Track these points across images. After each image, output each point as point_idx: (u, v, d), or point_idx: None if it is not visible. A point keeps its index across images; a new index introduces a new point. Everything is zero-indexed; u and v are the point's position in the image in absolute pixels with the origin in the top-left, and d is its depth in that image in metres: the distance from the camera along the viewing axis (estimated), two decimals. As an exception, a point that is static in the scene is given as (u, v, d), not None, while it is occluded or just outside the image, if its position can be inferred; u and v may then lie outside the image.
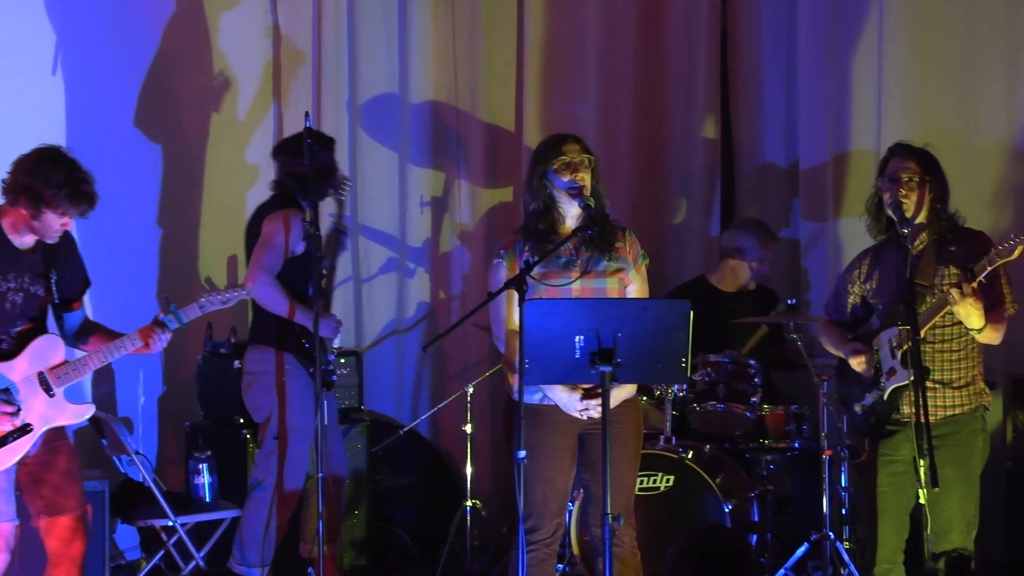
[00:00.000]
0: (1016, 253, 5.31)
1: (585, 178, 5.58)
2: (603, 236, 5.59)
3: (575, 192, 5.55)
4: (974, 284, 5.32)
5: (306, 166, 6.31)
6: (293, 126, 8.00)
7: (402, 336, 8.43)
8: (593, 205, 5.55)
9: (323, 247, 6.39)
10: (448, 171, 8.41)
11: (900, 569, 5.68)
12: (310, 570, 6.60)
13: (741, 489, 6.99)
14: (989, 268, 5.34)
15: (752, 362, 7.16)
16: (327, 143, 6.77)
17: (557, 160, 5.58)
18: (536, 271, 5.48)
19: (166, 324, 5.88)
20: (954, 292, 5.32)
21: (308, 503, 6.74)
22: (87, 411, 5.99)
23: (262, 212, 6.67)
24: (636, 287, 5.66)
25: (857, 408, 5.76)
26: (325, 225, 6.96)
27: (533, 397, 5.56)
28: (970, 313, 5.37)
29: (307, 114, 6.38)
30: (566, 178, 5.56)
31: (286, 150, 6.74)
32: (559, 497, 5.61)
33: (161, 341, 5.88)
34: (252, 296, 6.41)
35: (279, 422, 6.56)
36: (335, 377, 6.61)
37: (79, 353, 5.86)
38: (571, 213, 5.61)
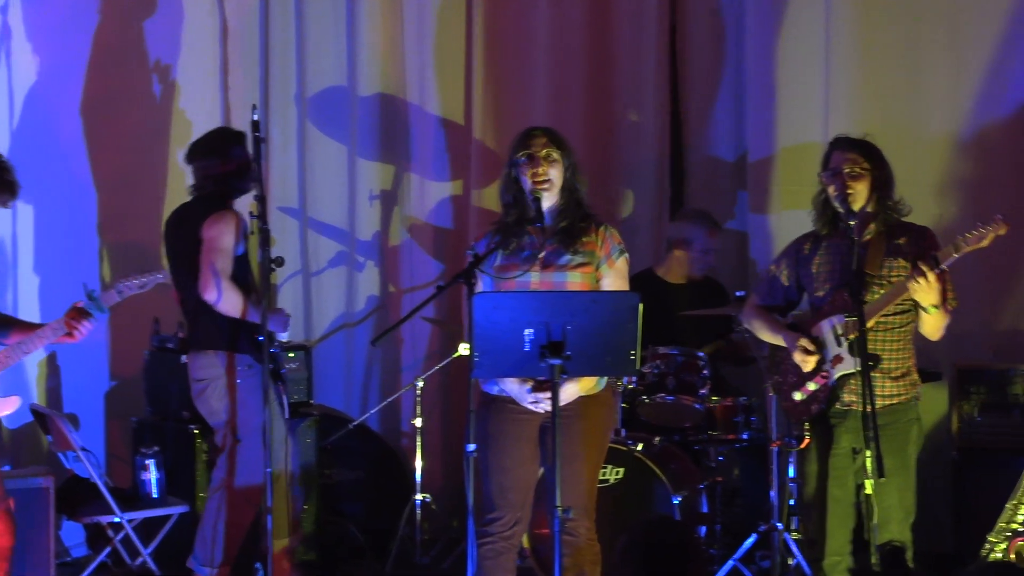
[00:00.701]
0: (986, 241, 5.35)
1: (548, 171, 5.56)
2: (568, 229, 5.57)
3: (538, 186, 5.53)
4: (936, 271, 5.34)
5: (223, 165, 6.43)
6: (240, 120, 7.96)
7: (352, 330, 8.41)
8: (541, 198, 5.54)
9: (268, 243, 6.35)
10: (398, 164, 8.39)
11: (849, 559, 5.70)
12: (257, 565, 6.56)
13: (690, 481, 7.01)
14: (956, 255, 5.39)
15: (701, 354, 7.18)
16: (240, 139, 6.69)
17: (521, 153, 5.58)
18: (498, 263, 5.50)
19: (88, 311, 5.84)
20: (919, 279, 5.34)
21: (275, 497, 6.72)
22: (10, 405, 5.94)
23: (193, 217, 6.58)
24: (609, 282, 5.60)
25: (797, 395, 5.77)
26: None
27: (492, 388, 5.57)
28: (928, 292, 5.41)
29: (254, 107, 6.35)
30: (528, 170, 5.55)
31: (200, 152, 6.68)
32: (518, 488, 5.58)
33: (84, 328, 5.84)
34: (215, 305, 6.38)
35: (234, 424, 6.53)
36: (284, 371, 6.59)
37: None
38: (544, 207, 5.59)
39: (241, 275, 6.50)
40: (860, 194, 5.64)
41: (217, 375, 6.53)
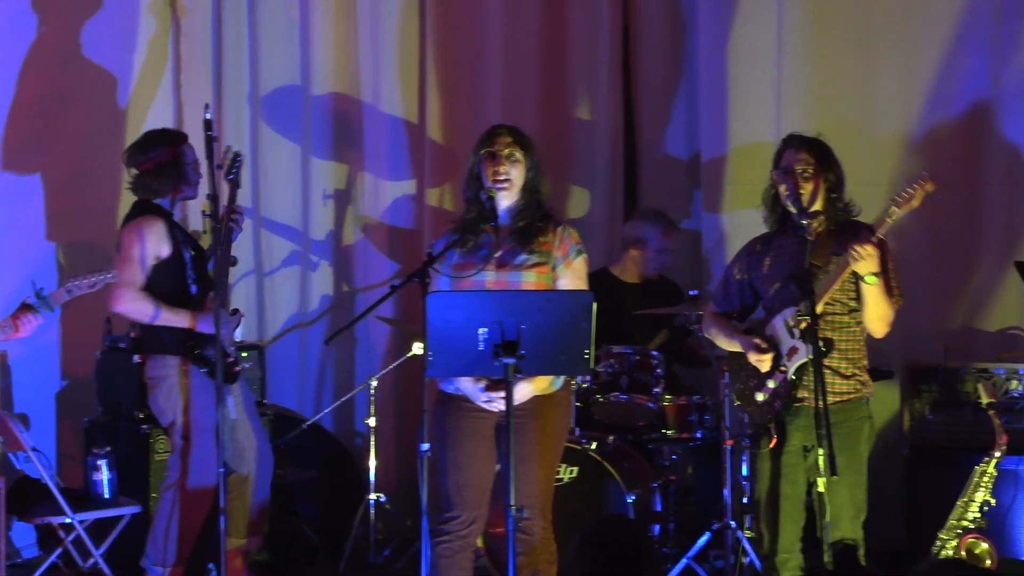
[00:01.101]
0: (916, 200, 5.38)
1: (509, 171, 5.56)
2: (526, 229, 5.57)
3: (497, 186, 5.53)
4: (874, 240, 5.37)
5: (141, 167, 6.46)
6: (193, 120, 7.92)
7: (305, 329, 8.39)
8: (495, 197, 5.54)
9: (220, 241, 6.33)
10: (351, 163, 8.37)
11: (799, 557, 5.71)
12: (211, 565, 6.54)
13: (644, 480, 7.03)
14: (889, 221, 5.41)
15: (655, 353, 7.20)
16: (164, 139, 6.67)
17: (483, 151, 5.59)
18: (455, 261, 5.51)
19: (35, 308, 5.84)
20: (857, 248, 5.37)
21: (231, 498, 6.69)
22: None
23: (125, 220, 6.61)
24: (565, 282, 5.59)
25: (760, 396, 5.79)
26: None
27: (448, 387, 5.57)
28: (867, 264, 5.43)
29: (207, 106, 6.32)
30: (488, 168, 5.55)
31: (128, 153, 6.68)
32: (474, 487, 5.57)
33: (30, 324, 5.83)
34: (122, 315, 6.44)
35: (184, 424, 6.49)
36: (237, 369, 6.57)
37: None
38: (502, 205, 5.59)
39: (165, 281, 6.47)
40: (811, 193, 5.67)
41: (166, 375, 6.50)
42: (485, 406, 5.50)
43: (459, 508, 5.55)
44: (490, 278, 5.51)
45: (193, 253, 6.57)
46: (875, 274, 5.46)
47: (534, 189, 5.61)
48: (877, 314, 5.60)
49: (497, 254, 5.54)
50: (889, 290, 5.58)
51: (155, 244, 6.44)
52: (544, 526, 5.59)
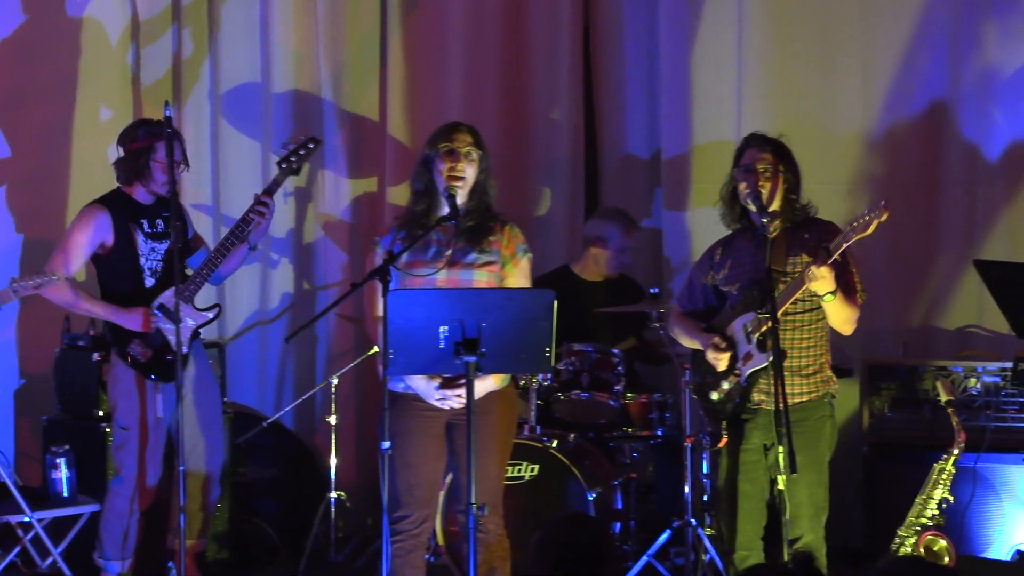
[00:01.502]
0: (871, 228, 5.38)
1: (466, 169, 5.57)
2: (475, 228, 5.58)
3: (452, 180, 5.54)
4: (829, 261, 5.38)
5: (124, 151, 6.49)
6: (152, 116, 7.88)
7: (265, 327, 8.36)
8: (456, 195, 5.54)
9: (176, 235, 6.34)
10: (312, 161, 8.32)
11: (759, 555, 5.73)
12: (170, 564, 6.53)
13: (605, 477, 7.03)
14: (845, 244, 5.40)
15: (615, 351, 7.21)
16: (137, 126, 6.68)
17: (442, 145, 5.58)
18: (404, 259, 5.49)
19: None
20: (812, 269, 5.37)
21: (172, 496, 6.69)
22: None
23: None
24: (513, 281, 5.63)
25: (714, 395, 5.80)
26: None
27: (398, 386, 5.55)
28: (823, 284, 5.42)
29: (167, 103, 6.30)
30: (445, 163, 5.55)
31: (119, 136, 6.71)
32: (425, 486, 5.59)
33: None
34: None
35: (122, 415, 6.55)
36: (170, 358, 6.51)
37: None
38: (447, 201, 5.61)
39: (108, 272, 6.55)
40: (771, 192, 5.68)
41: (110, 369, 6.58)
42: (438, 404, 5.51)
43: (410, 508, 5.56)
44: (442, 277, 5.53)
45: (161, 245, 6.57)
46: (832, 292, 5.47)
47: (484, 190, 5.63)
48: (841, 319, 5.63)
49: (448, 252, 5.55)
50: (852, 290, 5.60)
51: (91, 233, 6.47)
52: (498, 523, 5.64)
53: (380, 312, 5.57)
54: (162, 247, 6.56)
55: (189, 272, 6.58)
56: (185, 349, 6.40)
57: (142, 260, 6.52)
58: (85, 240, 6.48)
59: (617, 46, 8.24)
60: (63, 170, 7.89)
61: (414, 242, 5.49)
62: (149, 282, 6.50)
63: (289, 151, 6.58)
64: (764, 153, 5.72)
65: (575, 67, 8.22)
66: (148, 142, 6.48)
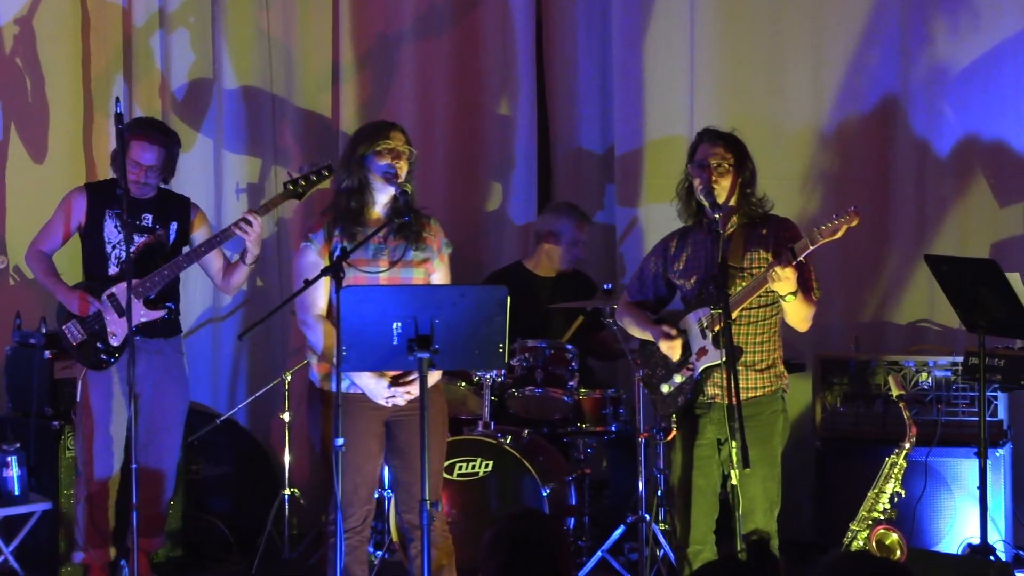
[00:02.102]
0: (840, 233, 5.41)
1: (404, 167, 5.61)
2: (412, 226, 5.63)
3: (391, 177, 5.57)
4: (793, 263, 5.40)
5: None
6: (103, 112, 7.87)
7: (218, 324, 8.33)
8: (411, 192, 5.57)
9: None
10: (264, 157, 8.32)
11: (712, 549, 5.75)
12: (123, 563, 6.51)
13: (559, 473, 7.04)
14: (812, 247, 5.42)
15: (569, 347, 7.21)
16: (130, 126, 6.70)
17: (381, 144, 5.60)
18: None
19: None
20: (777, 270, 5.38)
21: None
22: None
23: None
24: (440, 275, 5.72)
25: (664, 388, 5.81)
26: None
27: (342, 385, 5.53)
28: (785, 285, 5.43)
29: (117, 100, 6.27)
30: (386, 162, 5.57)
31: None
32: (368, 484, 5.66)
33: None
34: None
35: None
36: (106, 357, 6.52)
37: None
38: (382, 200, 5.65)
39: (85, 254, 6.73)
40: (725, 188, 5.69)
41: None
42: (386, 403, 5.52)
43: (354, 506, 5.61)
44: (383, 276, 5.55)
45: (141, 238, 6.63)
46: (793, 293, 5.49)
47: (408, 187, 5.65)
48: (800, 318, 5.64)
49: (387, 251, 5.60)
50: (809, 288, 5.62)
51: (66, 214, 6.71)
52: (442, 519, 5.71)
53: (319, 312, 5.59)
54: (139, 240, 6.63)
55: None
56: (116, 341, 6.52)
57: (108, 247, 6.62)
58: (60, 219, 6.73)
59: (570, 41, 8.25)
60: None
61: (364, 241, 5.49)
62: (113, 270, 6.57)
63: (303, 174, 6.51)
64: (718, 148, 5.72)
65: (528, 62, 8.22)
66: (126, 141, 6.48)
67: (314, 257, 5.61)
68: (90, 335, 6.54)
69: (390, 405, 5.56)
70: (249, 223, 6.50)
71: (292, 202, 6.61)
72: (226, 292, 7.15)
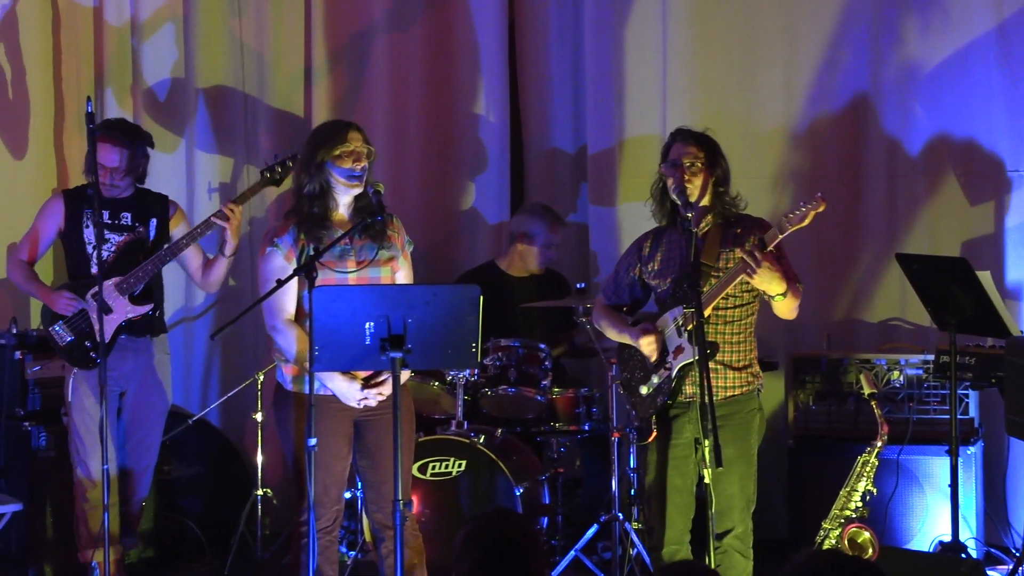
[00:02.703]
0: (808, 219, 5.41)
1: (366, 167, 5.61)
2: (378, 225, 5.63)
3: (356, 181, 5.56)
4: (766, 251, 5.40)
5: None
6: (74, 112, 7.83)
7: (191, 324, 8.31)
8: (382, 191, 5.56)
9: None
10: (236, 157, 8.30)
11: (687, 548, 5.74)
12: (94, 564, 6.49)
13: (532, 472, 7.05)
14: (781, 236, 5.43)
15: (542, 346, 7.21)
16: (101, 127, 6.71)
17: (340, 148, 5.58)
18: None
19: None
20: (747, 259, 5.38)
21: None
22: None
23: None
24: (404, 273, 5.73)
25: (644, 389, 5.81)
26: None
27: (305, 387, 5.54)
28: (771, 280, 5.43)
29: (89, 99, 6.25)
30: (347, 166, 5.56)
31: None
32: (337, 484, 5.66)
33: None
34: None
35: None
36: (94, 356, 6.52)
37: None
38: (344, 201, 5.65)
39: (67, 257, 6.78)
40: (698, 187, 5.69)
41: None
42: (358, 404, 5.53)
43: (324, 507, 5.61)
44: (352, 276, 5.55)
45: (119, 237, 6.66)
46: (783, 293, 5.50)
47: (375, 184, 5.65)
48: (788, 309, 5.63)
49: (354, 251, 5.60)
50: (792, 278, 5.61)
51: (46, 220, 6.78)
52: (412, 517, 5.72)
53: (288, 316, 5.59)
54: (118, 239, 6.67)
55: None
56: (107, 338, 6.45)
57: (89, 248, 6.65)
58: (40, 226, 6.80)
59: (542, 41, 8.25)
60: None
61: (335, 243, 5.49)
62: (95, 269, 6.56)
63: (277, 161, 6.58)
64: (690, 147, 5.72)
65: (500, 61, 8.22)
66: (93, 143, 6.46)
67: (280, 262, 5.59)
68: (78, 335, 6.56)
69: (362, 407, 5.55)
70: (227, 214, 6.52)
71: (268, 198, 6.65)
72: (207, 289, 7.20)
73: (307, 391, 5.34)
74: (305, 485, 5.32)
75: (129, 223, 6.70)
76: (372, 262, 5.59)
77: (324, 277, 5.48)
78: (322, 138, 5.66)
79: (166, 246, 6.67)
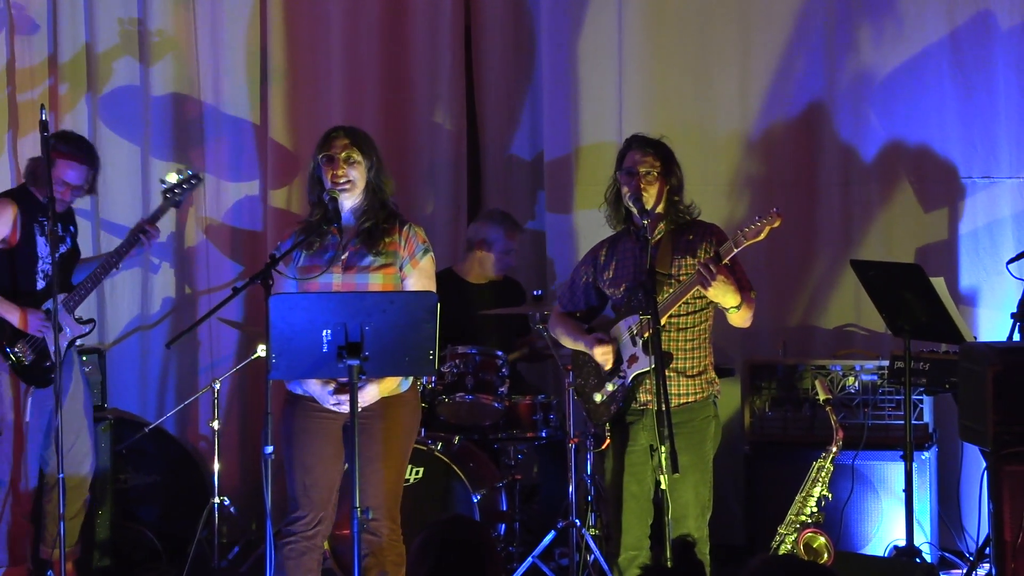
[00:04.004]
0: (763, 234, 5.44)
1: (348, 172, 5.57)
2: (372, 230, 5.58)
3: (339, 188, 5.55)
4: (720, 264, 5.43)
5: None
6: (29, 120, 7.80)
7: (147, 332, 8.28)
8: (337, 198, 5.56)
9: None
10: (192, 164, 8.26)
11: (646, 554, 5.75)
12: (49, 573, 6.46)
13: (489, 479, 7.05)
14: (736, 249, 5.45)
15: (499, 353, 7.22)
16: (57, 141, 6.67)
17: (321, 154, 5.59)
18: (302, 263, 5.54)
19: None
20: (703, 272, 5.41)
21: (44, 503, 6.67)
22: None
23: None
24: (413, 282, 5.63)
25: (597, 397, 5.83)
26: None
27: (296, 388, 5.59)
28: (725, 292, 5.46)
29: (43, 106, 6.22)
30: (328, 171, 5.56)
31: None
32: (321, 487, 5.58)
33: None
34: None
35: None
36: (52, 375, 6.48)
37: None
38: (346, 206, 5.61)
39: (5, 268, 6.58)
40: (653, 195, 5.71)
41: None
42: (334, 408, 5.50)
43: (305, 508, 5.55)
44: (337, 280, 5.53)
45: (65, 250, 6.63)
46: (736, 306, 5.53)
47: (377, 188, 5.63)
48: (742, 319, 5.65)
49: (343, 256, 5.55)
50: (745, 287, 5.64)
51: (3, 226, 6.56)
52: (392, 527, 5.61)
53: None
54: (45, 248, 6.60)
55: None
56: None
57: (40, 262, 6.59)
58: None
59: (499, 49, 8.25)
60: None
61: (298, 246, 5.49)
62: (40, 284, 6.52)
63: (174, 183, 6.61)
64: (647, 156, 5.74)
65: (457, 68, 8.22)
66: (52, 158, 6.41)
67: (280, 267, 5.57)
68: (37, 354, 6.52)
69: (343, 411, 5.50)
70: (147, 233, 6.56)
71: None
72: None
73: (294, 391, 5.42)
74: (286, 487, 5.31)
75: (60, 233, 6.59)
76: (360, 268, 5.56)
77: (309, 283, 5.47)
78: (317, 145, 5.67)
79: (100, 264, 6.64)
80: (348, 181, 5.57)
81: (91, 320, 6.78)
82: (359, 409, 5.46)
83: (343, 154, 5.59)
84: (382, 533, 5.54)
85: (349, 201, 5.60)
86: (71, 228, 6.78)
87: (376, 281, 5.57)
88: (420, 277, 5.65)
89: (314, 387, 5.51)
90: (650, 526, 5.77)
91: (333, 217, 5.53)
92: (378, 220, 5.59)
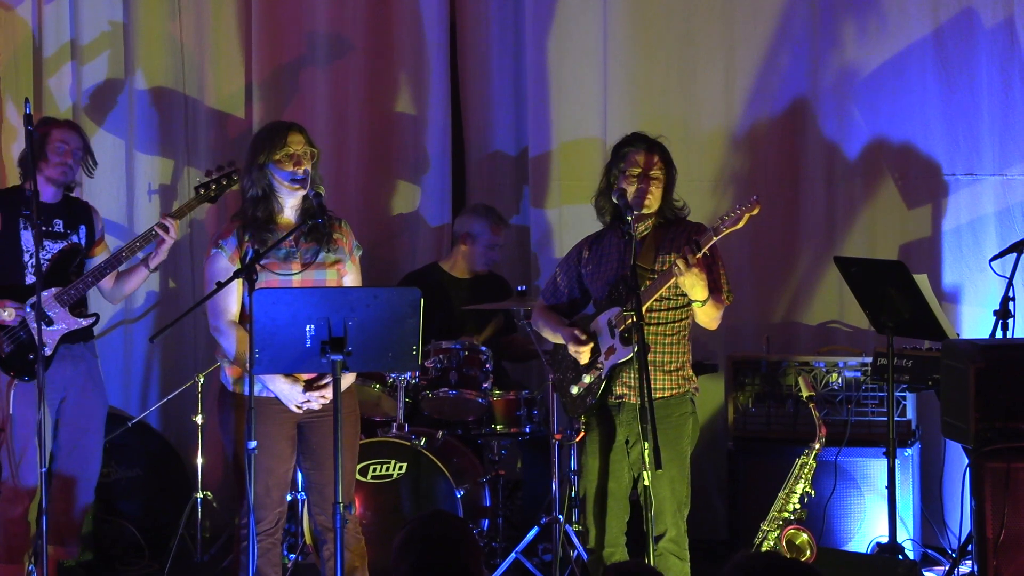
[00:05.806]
0: (742, 222, 5.45)
1: (308, 169, 5.59)
2: (322, 228, 5.62)
3: (298, 184, 5.56)
4: (699, 255, 5.43)
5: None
6: (14, 113, 7.78)
7: (130, 326, 8.28)
8: (323, 194, 5.57)
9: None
10: (177, 158, 8.27)
11: (623, 550, 5.77)
12: (31, 568, 6.44)
13: (473, 474, 7.05)
14: (716, 238, 5.47)
15: (483, 348, 7.23)
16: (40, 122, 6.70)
17: (280, 151, 5.57)
18: (260, 262, 5.49)
19: None
20: (679, 263, 5.41)
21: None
22: None
23: None
24: (351, 278, 5.72)
25: (574, 389, 5.84)
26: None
27: (255, 389, 5.52)
28: (695, 284, 5.47)
29: (27, 100, 6.20)
30: (288, 169, 5.56)
31: None
32: (280, 487, 5.66)
33: None
34: None
35: None
36: (31, 356, 6.48)
37: None
38: (290, 203, 5.65)
39: (1, 263, 6.56)
40: (658, 198, 5.74)
41: None
42: (297, 409, 5.52)
43: (267, 509, 5.61)
44: (296, 278, 5.55)
45: (55, 245, 6.60)
46: (703, 301, 5.53)
47: (315, 183, 5.65)
48: (708, 318, 5.67)
49: (299, 253, 5.60)
50: (719, 291, 5.66)
51: None
52: (355, 521, 5.70)
53: (231, 317, 5.58)
54: (55, 247, 6.60)
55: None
56: (48, 351, 6.39)
57: (25, 256, 6.55)
58: None
59: (483, 44, 8.25)
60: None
61: (276, 244, 5.49)
62: (29, 279, 6.47)
63: (212, 178, 6.55)
64: (654, 157, 5.75)
65: (441, 64, 8.21)
66: (40, 132, 6.46)
67: (225, 263, 5.58)
68: (18, 346, 6.49)
69: (304, 410, 5.54)
70: (167, 227, 6.50)
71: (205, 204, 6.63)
72: (113, 300, 7.08)
73: (248, 393, 5.34)
74: (246, 487, 5.31)
75: (61, 230, 6.63)
76: (317, 264, 5.59)
77: (268, 279, 5.48)
78: (263, 141, 5.65)
79: (106, 258, 6.63)
80: (305, 178, 5.59)
81: (94, 314, 6.74)
82: (322, 405, 5.50)
83: (303, 150, 5.62)
84: (348, 528, 5.57)
85: (295, 199, 5.63)
86: (80, 227, 6.73)
87: (332, 277, 5.63)
88: (357, 273, 5.76)
89: (282, 387, 5.52)
90: (627, 522, 5.79)
91: (320, 212, 5.54)
92: (322, 216, 5.60)
